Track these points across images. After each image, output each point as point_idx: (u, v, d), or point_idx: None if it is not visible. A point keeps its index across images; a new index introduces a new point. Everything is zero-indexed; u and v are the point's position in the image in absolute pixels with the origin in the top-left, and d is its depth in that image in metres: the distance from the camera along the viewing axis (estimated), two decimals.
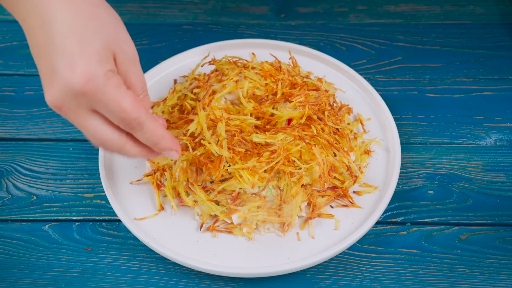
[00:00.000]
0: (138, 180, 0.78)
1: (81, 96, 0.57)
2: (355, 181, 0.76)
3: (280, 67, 0.83)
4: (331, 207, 0.76)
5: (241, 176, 0.71)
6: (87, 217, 0.80)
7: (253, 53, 0.91)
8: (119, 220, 0.79)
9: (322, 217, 0.75)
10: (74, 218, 0.80)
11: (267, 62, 0.84)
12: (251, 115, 0.79)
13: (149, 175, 0.77)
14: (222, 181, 0.72)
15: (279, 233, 0.73)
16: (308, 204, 0.75)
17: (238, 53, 0.92)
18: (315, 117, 0.77)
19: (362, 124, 0.83)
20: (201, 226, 0.74)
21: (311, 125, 0.77)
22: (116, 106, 0.58)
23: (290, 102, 0.78)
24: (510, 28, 1.03)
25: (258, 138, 0.74)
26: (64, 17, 0.57)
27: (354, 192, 0.77)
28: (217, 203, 0.73)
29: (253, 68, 0.83)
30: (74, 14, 0.57)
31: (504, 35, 1.02)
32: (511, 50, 1.00)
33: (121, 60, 0.61)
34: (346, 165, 0.76)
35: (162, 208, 0.75)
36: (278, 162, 0.72)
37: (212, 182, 0.73)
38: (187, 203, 0.74)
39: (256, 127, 0.78)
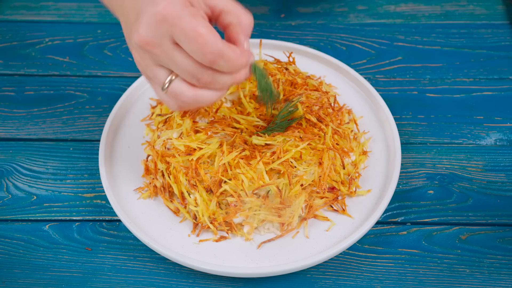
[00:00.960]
0: (141, 188, 0.78)
1: (162, 22, 0.58)
2: (349, 187, 0.76)
3: (286, 68, 0.83)
4: (332, 207, 0.76)
5: (241, 180, 0.71)
6: (87, 217, 0.80)
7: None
8: (119, 220, 0.79)
9: (317, 219, 0.75)
10: (74, 218, 0.80)
11: (267, 61, 0.84)
12: (248, 114, 0.79)
13: (149, 184, 0.77)
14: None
15: (279, 233, 0.73)
16: (305, 205, 0.75)
17: None
18: (314, 119, 0.77)
19: (356, 124, 0.83)
20: (201, 227, 0.74)
21: (312, 127, 0.77)
22: (192, 31, 0.58)
23: (291, 101, 0.78)
24: (511, 28, 1.03)
25: (258, 140, 0.74)
26: None
27: (349, 192, 0.77)
28: (218, 204, 0.73)
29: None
30: None
31: (504, 35, 1.02)
32: (511, 50, 1.00)
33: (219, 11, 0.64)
34: (347, 173, 0.76)
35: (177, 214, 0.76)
36: (275, 162, 0.72)
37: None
38: (189, 203, 0.74)
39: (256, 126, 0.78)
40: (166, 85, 0.62)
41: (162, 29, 0.59)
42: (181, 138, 0.76)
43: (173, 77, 0.62)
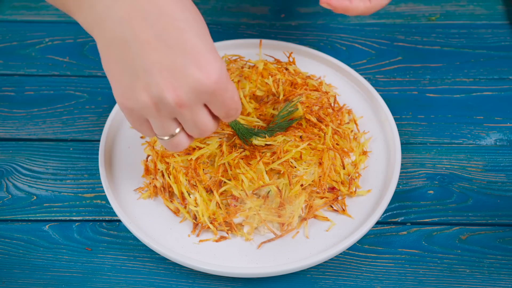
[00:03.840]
0: (141, 188, 0.78)
1: (209, 94, 0.55)
2: (349, 187, 0.76)
3: (286, 68, 0.83)
4: (332, 207, 0.76)
5: (241, 180, 0.71)
6: (87, 217, 0.80)
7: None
8: (119, 220, 0.79)
9: (317, 219, 0.75)
10: (74, 218, 0.80)
11: (267, 61, 0.84)
12: (248, 114, 0.79)
13: (149, 184, 0.77)
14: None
15: (279, 233, 0.73)
16: (305, 205, 0.75)
17: (238, 53, 0.91)
18: (314, 119, 0.77)
19: (356, 124, 0.83)
20: (201, 227, 0.74)
21: (312, 127, 0.77)
22: (232, 100, 0.57)
23: (291, 101, 0.78)
24: (511, 28, 1.03)
25: (258, 140, 0.74)
26: (180, 11, 0.54)
27: (349, 192, 0.77)
28: (218, 204, 0.73)
29: (253, 67, 0.83)
30: (184, 6, 0.55)
31: (504, 35, 1.02)
32: (511, 50, 1.00)
33: None
34: (347, 173, 0.76)
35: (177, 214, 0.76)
36: (275, 162, 0.72)
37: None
38: (189, 203, 0.74)
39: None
40: (171, 137, 0.60)
41: (203, 97, 0.56)
42: None
43: (179, 130, 0.60)
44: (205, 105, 0.58)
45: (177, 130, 0.60)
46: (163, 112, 0.57)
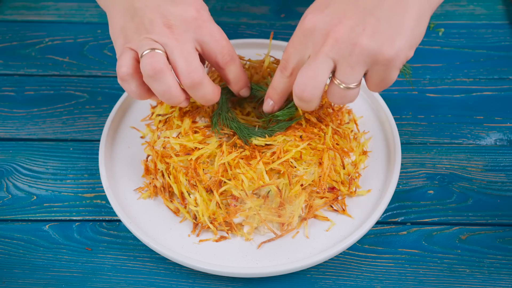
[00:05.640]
0: (141, 188, 0.78)
1: (193, 23, 0.68)
2: (349, 187, 0.76)
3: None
4: (332, 207, 0.76)
5: (241, 180, 0.71)
6: (87, 217, 0.80)
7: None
8: (119, 220, 0.79)
9: (317, 219, 0.75)
10: (74, 218, 0.80)
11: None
12: (248, 114, 0.79)
13: (149, 184, 0.77)
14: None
15: (279, 233, 0.73)
16: (305, 205, 0.75)
17: (238, 53, 0.91)
18: (314, 119, 0.77)
19: (356, 124, 0.83)
20: (201, 227, 0.74)
21: (312, 127, 0.77)
22: (221, 35, 0.70)
23: (291, 101, 0.78)
24: (511, 28, 1.03)
25: (258, 140, 0.74)
26: None
27: (349, 192, 0.77)
28: (218, 204, 0.73)
29: (260, 61, 0.83)
30: None
31: (504, 35, 1.02)
32: (511, 50, 1.00)
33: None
34: (347, 173, 0.76)
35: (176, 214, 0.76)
36: (275, 162, 0.72)
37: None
38: (189, 203, 0.74)
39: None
40: (152, 50, 0.65)
41: (189, 28, 0.67)
42: (179, 138, 0.76)
43: (162, 51, 0.66)
44: (197, 50, 0.69)
45: (158, 46, 0.66)
46: (150, 31, 0.66)
